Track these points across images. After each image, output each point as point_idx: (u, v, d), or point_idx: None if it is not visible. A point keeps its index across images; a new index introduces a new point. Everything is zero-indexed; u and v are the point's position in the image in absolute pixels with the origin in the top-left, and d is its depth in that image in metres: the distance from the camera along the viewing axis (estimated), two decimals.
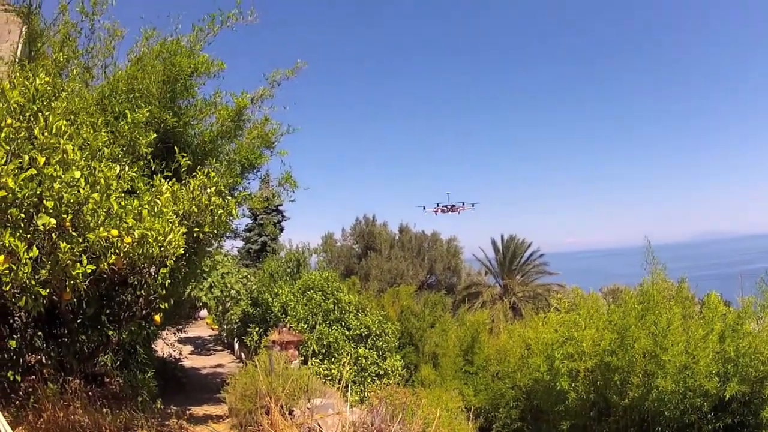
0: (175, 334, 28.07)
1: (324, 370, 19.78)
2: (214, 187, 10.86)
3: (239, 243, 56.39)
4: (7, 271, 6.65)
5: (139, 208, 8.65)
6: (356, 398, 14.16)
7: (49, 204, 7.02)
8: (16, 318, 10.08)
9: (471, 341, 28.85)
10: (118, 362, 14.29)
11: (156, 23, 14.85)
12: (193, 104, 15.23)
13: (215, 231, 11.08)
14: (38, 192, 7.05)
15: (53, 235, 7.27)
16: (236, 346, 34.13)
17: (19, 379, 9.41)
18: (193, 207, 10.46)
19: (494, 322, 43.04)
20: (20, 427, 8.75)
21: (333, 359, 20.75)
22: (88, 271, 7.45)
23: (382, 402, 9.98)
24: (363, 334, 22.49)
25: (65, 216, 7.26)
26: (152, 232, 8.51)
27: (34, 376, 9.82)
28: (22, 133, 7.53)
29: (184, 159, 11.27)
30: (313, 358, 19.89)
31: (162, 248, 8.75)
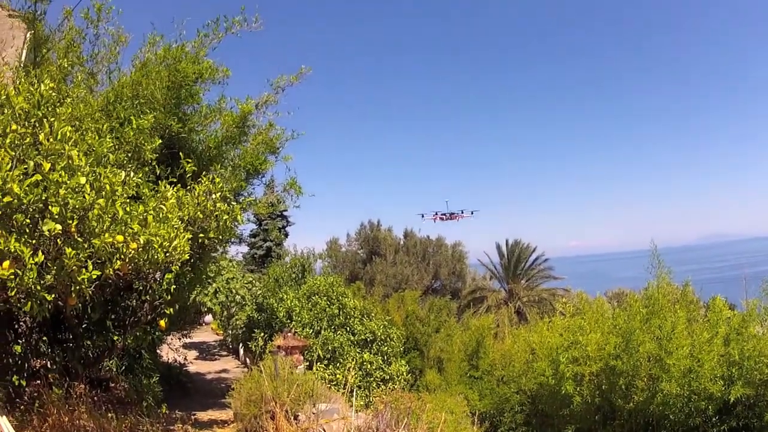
0: (180, 339, 28.01)
1: (329, 375, 19.77)
2: (219, 193, 10.89)
3: (244, 248, 56.47)
4: (13, 277, 6.68)
5: (145, 214, 8.65)
6: (361, 403, 14.13)
7: (55, 210, 7.04)
8: (21, 323, 10.11)
9: (476, 346, 28.80)
10: (123, 367, 14.32)
11: (160, 29, 14.89)
12: (197, 110, 15.25)
13: (220, 236, 11.10)
14: (43, 198, 7.07)
15: (59, 240, 7.29)
16: (241, 351, 34.10)
17: (24, 383, 9.43)
18: (198, 213, 10.48)
19: (499, 326, 42.98)
20: None
21: (338, 364, 20.74)
22: (94, 276, 7.46)
23: (387, 407, 9.98)
24: (368, 339, 22.48)
25: (71, 222, 7.28)
26: (157, 238, 8.52)
27: (39, 381, 9.83)
28: (27, 139, 7.56)
29: (189, 165, 11.27)
30: (318, 363, 19.87)
31: (167, 254, 8.77)
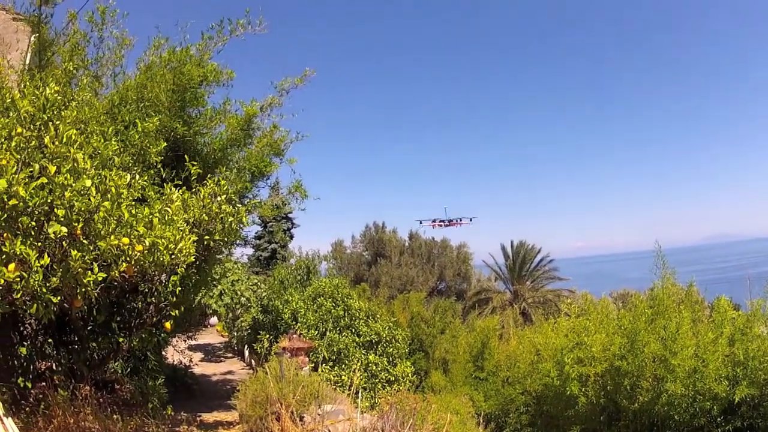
0: (185, 341, 28.06)
1: (334, 376, 19.80)
2: (225, 195, 10.91)
3: (249, 250, 56.53)
4: (18, 279, 6.69)
5: (150, 217, 8.66)
6: (366, 404, 14.13)
7: (60, 212, 7.06)
8: (26, 325, 10.14)
9: (481, 347, 28.81)
10: (129, 369, 14.36)
11: (164, 32, 14.94)
12: (202, 113, 15.30)
13: (226, 239, 11.12)
14: (49, 200, 7.08)
15: (64, 243, 7.31)
16: (246, 353, 34.16)
17: (29, 385, 9.45)
18: (204, 215, 10.51)
19: (504, 327, 42.98)
20: None
21: (343, 366, 20.77)
22: (99, 278, 7.48)
23: (392, 408, 9.98)
24: (373, 341, 22.50)
25: (76, 224, 7.30)
26: (163, 240, 8.54)
27: (44, 383, 9.85)
28: (33, 142, 7.59)
29: (194, 167, 11.29)
30: (324, 365, 19.90)
31: (173, 256, 8.79)
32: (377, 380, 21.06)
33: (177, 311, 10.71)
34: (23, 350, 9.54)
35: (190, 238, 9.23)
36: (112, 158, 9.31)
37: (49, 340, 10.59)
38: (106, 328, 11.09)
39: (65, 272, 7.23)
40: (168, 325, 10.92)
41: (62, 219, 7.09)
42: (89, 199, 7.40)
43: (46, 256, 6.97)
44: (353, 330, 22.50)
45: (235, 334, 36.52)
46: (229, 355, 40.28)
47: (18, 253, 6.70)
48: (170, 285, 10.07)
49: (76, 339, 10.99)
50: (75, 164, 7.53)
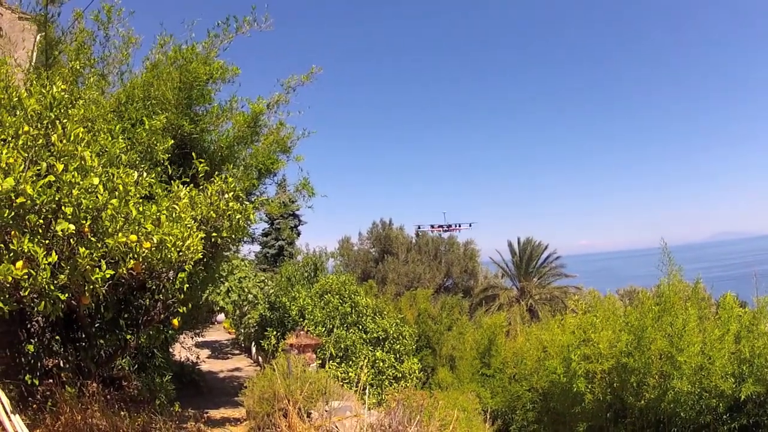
0: (192, 338, 28.08)
1: (341, 373, 19.82)
2: (232, 192, 10.92)
3: (256, 247, 56.61)
4: (26, 277, 6.72)
5: (158, 214, 8.69)
6: (374, 401, 14.16)
7: (68, 210, 7.09)
8: (34, 322, 10.19)
9: (488, 344, 28.78)
10: (136, 366, 14.40)
11: (171, 31, 14.96)
12: (209, 110, 15.30)
13: (233, 236, 11.14)
14: (57, 198, 7.11)
15: (72, 240, 7.34)
16: (254, 349, 34.18)
17: (36, 382, 9.52)
18: (211, 212, 10.53)
19: (511, 324, 42.96)
20: (38, 430, 8.84)
21: (350, 362, 20.79)
22: (107, 275, 7.51)
23: (399, 404, 10.00)
24: (380, 337, 22.51)
25: (84, 222, 7.33)
26: (171, 237, 8.56)
27: (51, 380, 9.90)
28: (40, 141, 7.61)
29: (201, 165, 11.30)
30: (331, 362, 19.92)
31: (180, 253, 8.81)
32: (384, 377, 21.08)
33: (184, 308, 10.73)
34: (30, 347, 9.60)
35: (197, 235, 9.25)
36: (119, 156, 9.34)
37: (57, 337, 10.65)
38: (114, 325, 11.14)
39: (73, 269, 7.27)
40: (175, 322, 10.94)
41: (70, 216, 7.12)
42: (97, 197, 7.43)
43: (53, 253, 7.00)
44: (360, 327, 22.52)
45: (242, 331, 36.52)
46: (236, 352, 40.31)
47: (26, 250, 6.74)
48: (178, 282, 10.09)
49: (84, 336, 11.04)
50: (82, 162, 7.56)
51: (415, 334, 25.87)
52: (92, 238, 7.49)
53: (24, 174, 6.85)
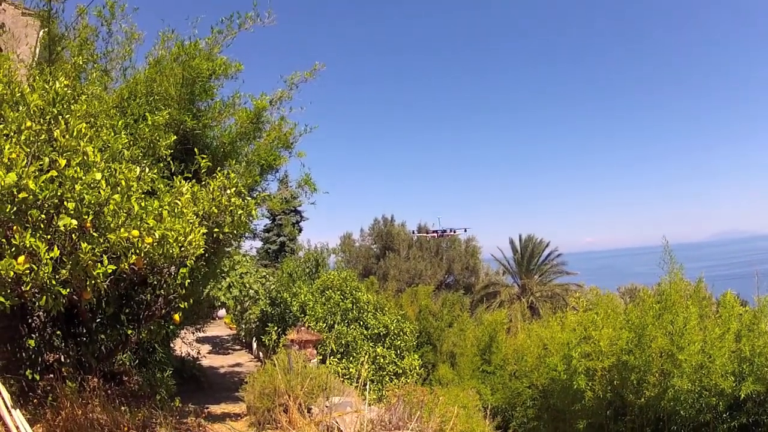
0: (193, 333, 28.16)
1: (342, 368, 19.87)
2: (234, 188, 10.93)
3: (258, 243, 56.65)
4: (28, 272, 6.73)
5: (160, 209, 8.69)
6: (374, 397, 14.18)
7: (71, 205, 7.09)
8: (35, 317, 10.20)
9: (489, 341, 28.85)
10: (137, 361, 14.41)
11: (174, 27, 14.97)
12: (212, 106, 15.32)
13: (235, 231, 11.15)
14: (59, 193, 7.12)
15: (74, 235, 7.34)
16: (254, 345, 34.23)
17: (37, 377, 9.51)
18: (213, 208, 10.54)
19: (512, 321, 43.04)
20: (38, 425, 8.84)
21: (351, 358, 20.85)
22: (109, 270, 7.51)
23: (399, 400, 10.02)
24: (381, 334, 22.57)
25: (86, 217, 7.33)
26: (172, 233, 8.56)
27: (52, 375, 9.90)
28: (43, 136, 7.62)
29: (203, 160, 11.33)
30: (332, 357, 19.97)
31: (182, 248, 8.82)
32: (385, 373, 21.14)
33: (186, 303, 10.74)
34: (31, 342, 9.60)
35: (199, 231, 9.25)
36: (121, 151, 9.37)
37: (58, 332, 10.65)
38: (115, 320, 11.16)
39: (75, 264, 7.27)
40: (177, 317, 10.96)
41: (72, 212, 7.12)
42: (99, 192, 7.44)
43: (55, 248, 7.00)
44: (361, 323, 22.57)
45: (243, 326, 36.56)
46: (237, 347, 40.35)
47: (28, 245, 6.74)
48: (179, 277, 10.09)
49: (85, 331, 11.05)
50: (85, 157, 7.57)
51: (415, 331, 25.94)
52: (94, 234, 7.49)
53: (26, 169, 6.86)
